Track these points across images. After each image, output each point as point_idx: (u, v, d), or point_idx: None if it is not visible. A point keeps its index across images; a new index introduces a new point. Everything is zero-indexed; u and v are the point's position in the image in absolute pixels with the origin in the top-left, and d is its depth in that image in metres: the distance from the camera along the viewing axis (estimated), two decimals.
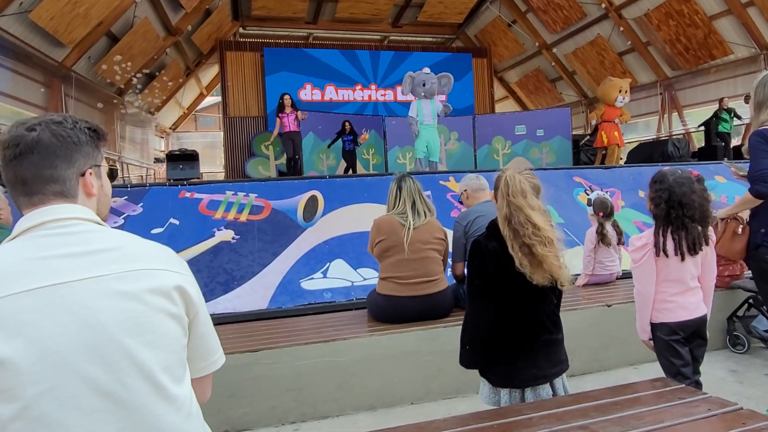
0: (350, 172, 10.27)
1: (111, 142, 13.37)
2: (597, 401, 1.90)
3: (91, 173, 1.10)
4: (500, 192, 1.98)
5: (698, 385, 2.42)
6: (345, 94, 14.71)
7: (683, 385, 2.06)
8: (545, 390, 2.03)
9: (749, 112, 2.73)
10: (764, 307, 3.69)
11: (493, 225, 2.02)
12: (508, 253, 1.90)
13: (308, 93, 14.30)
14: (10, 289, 0.91)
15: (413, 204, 3.40)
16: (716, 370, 3.51)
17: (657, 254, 2.31)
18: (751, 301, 3.84)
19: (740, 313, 3.89)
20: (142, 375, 0.97)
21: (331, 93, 14.60)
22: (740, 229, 2.70)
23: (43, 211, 1.02)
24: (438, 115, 7.67)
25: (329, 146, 10.64)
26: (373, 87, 15.01)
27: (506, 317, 1.97)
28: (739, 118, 10.24)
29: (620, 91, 9.04)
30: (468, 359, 2.04)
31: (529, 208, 1.91)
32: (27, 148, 1.01)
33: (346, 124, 10.35)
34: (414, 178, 3.54)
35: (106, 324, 0.95)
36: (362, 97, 14.88)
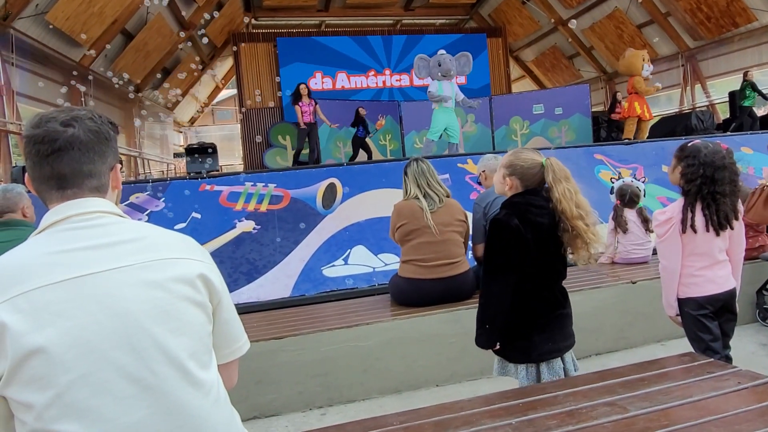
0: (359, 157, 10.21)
1: (131, 139, 13.58)
2: (623, 378, 1.88)
3: (119, 168, 1.14)
4: (553, 177, 1.98)
5: (728, 359, 2.38)
6: (359, 81, 14.65)
7: (712, 360, 2.03)
8: (557, 364, 2.05)
9: None
10: None
11: (510, 203, 2.03)
12: (528, 230, 1.92)
13: (319, 82, 14.26)
14: (40, 281, 0.94)
15: (420, 187, 3.38)
16: (746, 344, 3.45)
17: (683, 230, 2.27)
18: None
19: None
20: (170, 361, 0.99)
21: (345, 80, 14.54)
22: None
23: (68, 205, 1.04)
24: (457, 102, 7.55)
25: (358, 134, 10.48)
26: (387, 72, 14.91)
27: (524, 294, 1.99)
28: (760, 93, 9.89)
29: (644, 60, 8.88)
30: (485, 339, 2.05)
31: (576, 192, 1.97)
32: (66, 144, 1.03)
33: (361, 110, 10.29)
34: (423, 160, 3.50)
35: (134, 312, 0.98)
36: (376, 83, 14.79)
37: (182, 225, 5.03)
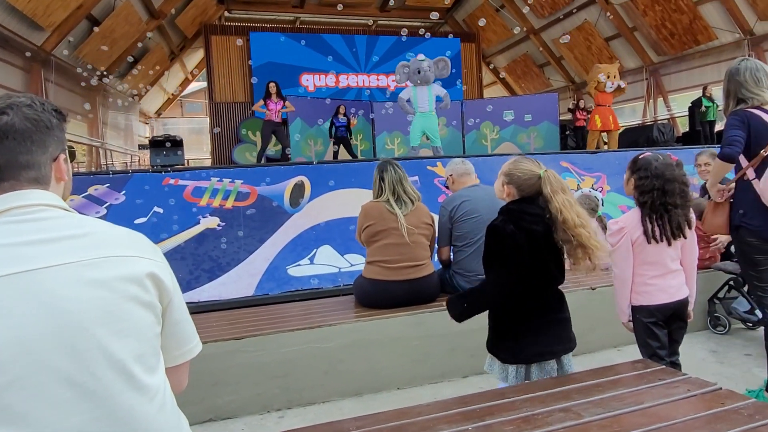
0: (339, 156, 10.21)
1: (93, 128, 13.16)
2: (579, 383, 1.91)
3: (63, 158, 1.08)
4: (551, 188, 2.02)
5: (675, 366, 2.46)
6: (333, 80, 14.57)
7: (663, 367, 2.09)
8: (550, 365, 2.10)
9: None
10: (744, 288, 3.75)
11: (506, 209, 2.10)
12: (521, 236, 1.99)
13: (296, 78, 14.13)
14: None
15: (396, 194, 3.38)
16: (697, 351, 3.57)
17: (648, 241, 2.34)
18: (731, 282, 3.89)
19: (721, 294, 3.94)
20: (113, 365, 0.95)
21: (319, 79, 14.44)
22: (720, 198, 2.73)
23: (9, 196, 0.99)
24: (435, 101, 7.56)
25: (330, 130, 10.46)
26: (360, 72, 14.87)
27: (515, 298, 2.06)
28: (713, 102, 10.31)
29: (608, 77, 9.10)
30: (458, 312, 2.16)
31: (574, 202, 2.02)
32: (0, 133, 0.98)
33: (341, 108, 10.26)
34: (397, 164, 3.51)
35: (75, 313, 0.93)
36: (347, 83, 14.73)
37: (143, 219, 4.89)
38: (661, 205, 2.31)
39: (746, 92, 2.63)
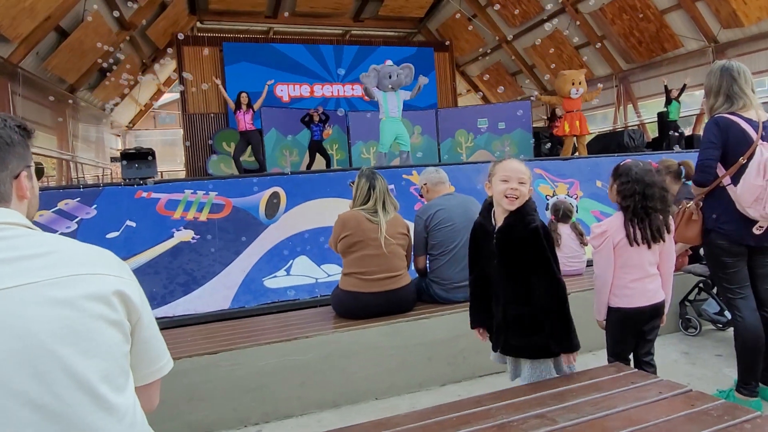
0: (315, 165, 10.16)
1: (63, 141, 12.87)
2: (554, 389, 1.93)
3: (25, 175, 1.06)
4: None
5: (650, 366, 2.55)
6: (307, 90, 14.55)
7: (636, 370, 2.12)
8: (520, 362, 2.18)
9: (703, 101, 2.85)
10: (714, 290, 3.84)
11: (486, 203, 2.27)
12: (487, 228, 2.18)
13: (270, 89, 14.05)
14: None
15: (384, 203, 3.40)
16: (669, 353, 3.64)
17: (630, 244, 2.41)
18: (701, 285, 3.99)
19: (691, 297, 4.03)
20: (79, 386, 0.93)
21: (293, 89, 14.41)
22: (695, 215, 2.79)
23: None
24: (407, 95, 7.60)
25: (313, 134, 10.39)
26: (335, 83, 14.89)
27: (489, 287, 2.22)
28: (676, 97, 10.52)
29: (573, 84, 9.22)
30: (571, 336, 2.13)
31: None
32: None
33: (317, 111, 10.22)
34: (379, 174, 3.52)
35: (38, 333, 0.90)
36: (322, 93, 14.72)
37: (115, 234, 4.79)
38: (642, 209, 2.39)
39: (737, 89, 2.63)
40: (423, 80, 7.63)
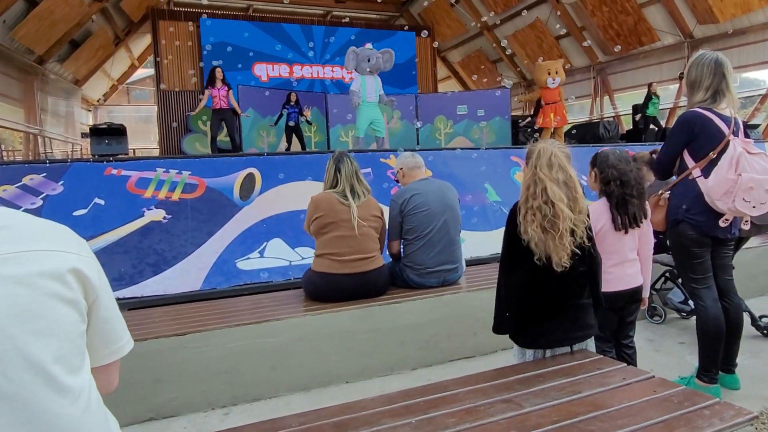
0: (292, 147, 10.04)
1: (31, 115, 12.45)
2: (521, 374, 1.95)
3: None
4: (530, 163, 2.04)
5: (629, 348, 2.68)
6: (286, 70, 14.32)
7: (602, 357, 2.16)
8: (563, 351, 2.13)
9: (682, 92, 2.87)
10: (679, 280, 3.93)
11: None
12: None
13: (248, 67, 13.80)
14: None
15: (352, 187, 3.37)
16: (635, 340, 3.71)
17: (616, 228, 2.47)
18: (667, 274, 4.08)
19: (657, 285, 4.13)
20: (31, 366, 0.89)
21: (272, 69, 14.17)
22: (662, 201, 2.85)
23: None
24: (379, 96, 7.58)
25: (275, 123, 10.29)
26: (315, 64, 14.68)
27: (534, 283, 2.05)
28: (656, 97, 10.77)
29: (549, 73, 9.23)
30: (498, 323, 2.14)
31: (550, 181, 1.98)
32: None
33: (292, 95, 10.07)
34: (351, 157, 3.49)
35: None
36: (302, 74, 14.52)
37: (83, 211, 4.66)
38: (620, 195, 2.46)
39: (725, 87, 2.64)
40: (393, 101, 7.73)
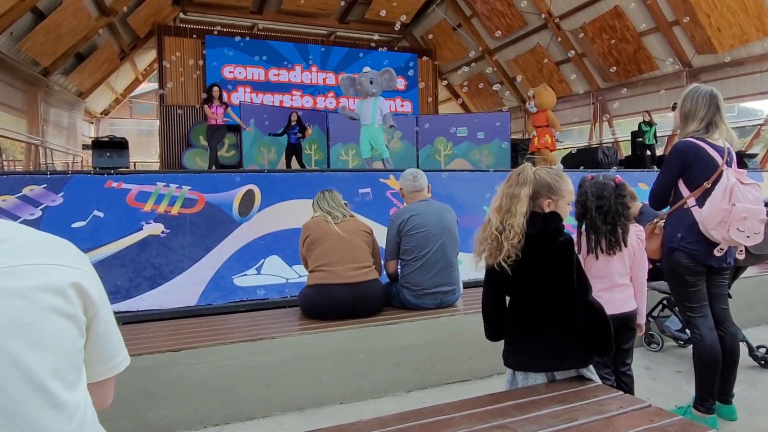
0: (293, 166, 10.09)
1: (33, 125, 12.51)
2: (517, 400, 1.94)
3: None
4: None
5: (627, 376, 2.66)
6: (288, 88, 14.46)
7: (599, 384, 2.15)
8: (539, 377, 2.09)
9: (674, 121, 2.90)
10: (676, 308, 3.93)
11: (558, 216, 2.12)
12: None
13: (250, 83, 13.93)
14: None
15: (322, 209, 3.57)
16: (632, 368, 3.70)
17: (588, 253, 2.47)
18: (664, 302, 4.07)
19: (655, 313, 4.12)
20: (27, 380, 0.89)
21: (275, 86, 14.30)
22: (657, 229, 2.86)
23: None
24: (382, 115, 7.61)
25: (270, 134, 10.36)
26: (317, 80, 14.83)
27: (504, 304, 2.13)
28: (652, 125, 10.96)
29: (530, 98, 9.40)
30: (486, 331, 2.21)
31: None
32: None
33: (293, 116, 10.16)
34: (331, 193, 3.65)
35: None
36: (305, 92, 14.67)
37: (81, 223, 4.67)
38: (590, 220, 2.46)
39: (718, 119, 2.68)
40: (393, 125, 7.88)
